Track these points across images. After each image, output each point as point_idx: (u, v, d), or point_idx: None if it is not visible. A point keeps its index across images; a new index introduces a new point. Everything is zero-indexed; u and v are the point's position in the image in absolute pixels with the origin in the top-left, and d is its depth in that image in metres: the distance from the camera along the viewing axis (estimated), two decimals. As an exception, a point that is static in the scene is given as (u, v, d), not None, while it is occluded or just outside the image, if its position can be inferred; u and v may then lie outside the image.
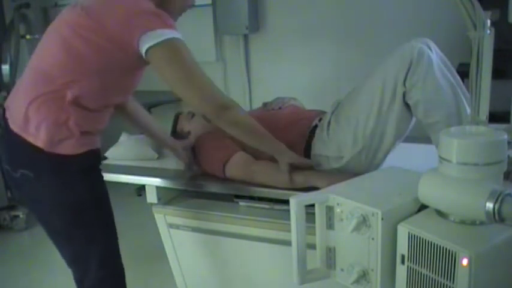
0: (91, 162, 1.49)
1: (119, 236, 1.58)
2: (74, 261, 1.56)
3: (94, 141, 1.49)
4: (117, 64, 1.42)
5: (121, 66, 1.43)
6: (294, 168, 1.58)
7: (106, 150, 2.19)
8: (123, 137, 2.24)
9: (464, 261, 0.93)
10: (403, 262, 1.06)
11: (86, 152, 1.44)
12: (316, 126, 1.73)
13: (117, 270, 1.60)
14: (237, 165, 1.70)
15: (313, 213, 1.21)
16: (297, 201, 1.17)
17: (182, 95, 1.44)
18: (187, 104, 1.49)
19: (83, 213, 1.47)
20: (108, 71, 1.41)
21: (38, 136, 1.38)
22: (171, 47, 1.37)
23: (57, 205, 1.45)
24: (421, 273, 1.02)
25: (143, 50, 1.35)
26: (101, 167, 1.55)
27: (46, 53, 1.43)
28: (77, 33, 1.36)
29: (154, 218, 1.86)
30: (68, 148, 1.40)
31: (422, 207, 1.11)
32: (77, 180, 1.44)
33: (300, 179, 1.57)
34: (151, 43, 1.33)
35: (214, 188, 1.77)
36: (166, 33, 1.35)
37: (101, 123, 1.52)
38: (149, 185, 1.84)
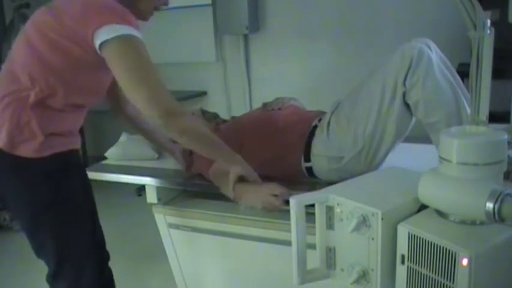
0: (58, 165, 1.43)
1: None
2: (39, 256, 1.55)
3: (64, 143, 1.44)
4: (77, 62, 1.37)
5: (81, 64, 1.38)
6: (241, 180, 1.55)
7: (106, 150, 2.20)
8: (123, 137, 2.24)
9: (464, 261, 0.93)
10: (403, 262, 1.06)
11: (52, 155, 1.40)
12: (316, 126, 1.73)
13: (85, 273, 1.54)
14: (203, 169, 1.75)
15: (313, 213, 1.21)
16: (297, 201, 1.17)
17: (130, 95, 1.35)
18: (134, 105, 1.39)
19: (43, 213, 1.44)
20: (68, 69, 1.37)
21: (0, 136, 1.36)
22: (125, 43, 1.30)
23: (20, 204, 1.45)
24: (421, 273, 1.02)
25: (97, 45, 1.30)
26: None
27: (15, 53, 1.42)
28: (39, 31, 1.35)
29: (154, 218, 1.86)
30: (28, 151, 1.37)
31: (422, 207, 1.11)
32: (37, 182, 1.41)
33: (238, 193, 1.56)
34: (105, 37, 1.28)
35: (214, 188, 1.77)
36: (122, 29, 1.29)
37: (71, 124, 1.47)
38: (149, 185, 1.85)
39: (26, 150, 1.37)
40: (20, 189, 1.42)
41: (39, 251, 1.53)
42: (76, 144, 1.52)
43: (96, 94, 1.53)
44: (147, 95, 1.33)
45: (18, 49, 1.41)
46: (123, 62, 1.32)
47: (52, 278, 1.57)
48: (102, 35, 1.28)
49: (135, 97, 1.34)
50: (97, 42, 1.30)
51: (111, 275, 1.72)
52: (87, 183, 1.56)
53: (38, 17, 1.40)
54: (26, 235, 1.52)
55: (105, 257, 1.67)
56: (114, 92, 1.67)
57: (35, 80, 1.35)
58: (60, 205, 1.45)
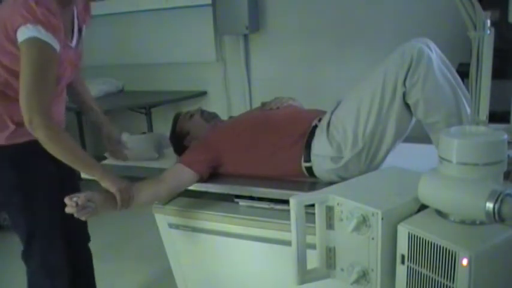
0: (28, 151, 1.57)
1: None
2: (16, 232, 1.76)
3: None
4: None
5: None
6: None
7: (106, 150, 2.19)
8: (124, 137, 2.24)
9: (464, 261, 0.93)
10: (403, 262, 1.06)
11: (23, 142, 1.56)
12: (315, 126, 1.73)
13: (52, 249, 1.66)
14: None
15: (313, 213, 1.21)
16: (297, 201, 1.17)
17: (19, 92, 1.46)
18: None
19: (13, 194, 1.65)
20: (17, 65, 1.46)
21: None
22: (29, 46, 1.43)
23: None
24: (421, 273, 1.02)
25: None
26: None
27: None
28: None
29: (154, 218, 1.86)
30: (1, 139, 1.58)
31: (422, 207, 1.11)
32: (6, 166, 1.62)
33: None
34: (20, 40, 1.42)
35: (214, 188, 1.78)
36: (29, 31, 1.40)
37: None
38: (149, 185, 1.84)
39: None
40: None
41: (15, 228, 1.76)
42: (59, 124, 1.66)
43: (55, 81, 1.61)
44: (27, 96, 1.44)
45: None
46: (24, 65, 1.44)
47: (24, 255, 1.79)
48: (19, 36, 1.43)
49: (20, 96, 1.45)
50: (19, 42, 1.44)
51: (91, 257, 1.96)
52: (59, 168, 1.64)
53: None
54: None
55: (81, 239, 1.87)
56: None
57: None
58: (27, 187, 1.64)
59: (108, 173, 1.58)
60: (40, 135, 1.46)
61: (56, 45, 1.46)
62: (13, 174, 1.64)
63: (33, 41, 1.41)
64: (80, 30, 1.70)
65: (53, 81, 1.49)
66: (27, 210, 1.68)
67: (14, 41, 1.44)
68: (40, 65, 1.44)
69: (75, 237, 1.82)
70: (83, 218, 1.48)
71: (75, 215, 1.46)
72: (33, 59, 1.43)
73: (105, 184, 1.55)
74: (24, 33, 1.41)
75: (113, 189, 1.53)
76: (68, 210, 1.45)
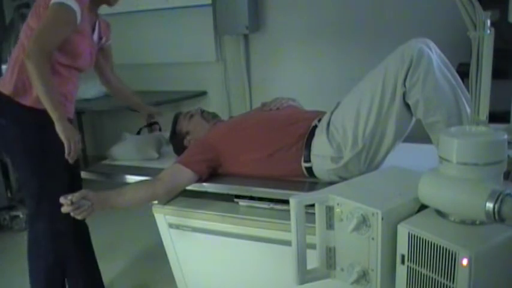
0: (46, 120, 1.71)
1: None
2: (24, 191, 2.00)
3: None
4: None
5: None
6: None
7: (106, 150, 2.20)
8: (124, 137, 2.24)
9: (464, 261, 0.93)
10: (403, 262, 1.06)
11: (44, 110, 1.71)
12: (315, 126, 1.73)
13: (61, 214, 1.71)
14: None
15: (313, 213, 1.21)
16: (297, 201, 1.17)
17: (36, 29, 1.73)
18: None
19: (29, 155, 1.85)
20: None
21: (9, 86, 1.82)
22: (55, 6, 1.72)
23: (13, 141, 1.87)
24: (421, 273, 1.02)
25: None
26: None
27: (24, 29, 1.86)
28: (33, 11, 1.81)
29: (154, 218, 1.86)
30: (26, 101, 1.82)
31: (422, 207, 1.11)
32: (31, 128, 1.83)
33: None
34: (51, 3, 1.72)
35: (214, 188, 1.77)
36: None
37: (62, 87, 1.84)
38: (149, 185, 1.84)
39: (24, 101, 1.81)
40: (15, 131, 1.84)
41: (23, 188, 1.97)
42: (68, 112, 1.86)
43: (75, 56, 1.86)
44: (39, 35, 1.71)
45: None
46: (45, 18, 1.73)
47: (32, 217, 1.95)
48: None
49: (35, 31, 1.72)
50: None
51: (87, 229, 2.12)
52: None
53: None
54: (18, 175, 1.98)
55: None
56: (100, 65, 2.16)
57: (24, 44, 1.80)
58: (44, 151, 1.83)
59: (65, 120, 1.72)
60: (30, 62, 1.65)
61: (77, 10, 1.74)
62: (33, 135, 1.82)
63: (60, 4, 1.71)
64: (100, 38, 2.05)
65: (61, 38, 1.74)
66: (41, 171, 1.85)
67: (48, 6, 1.72)
68: (57, 21, 1.72)
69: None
70: (79, 217, 1.49)
71: (72, 214, 1.48)
72: (54, 15, 1.71)
73: (58, 128, 1.69)
74: None
75: (62, 135, 1.69)
76: (63, 209, 1.47)
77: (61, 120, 1.70)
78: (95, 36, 2.01)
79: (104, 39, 2.10)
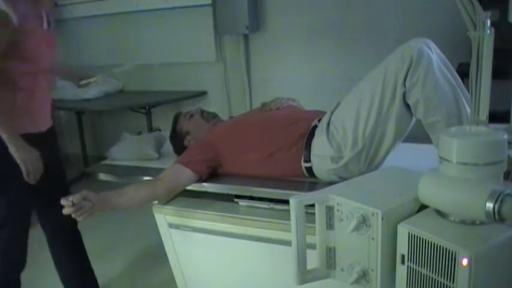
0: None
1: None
2: None
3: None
4: None
5: None
6: None
7: (105, 150, 2.20)
8: (124, 137, 2.24)
9: (464, 261, 0.93)
10: (403, 262, 1.06)
11: None
12: (315, 126, 1.73)
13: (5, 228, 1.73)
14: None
15: (313, 213, 1.21)
16: (297, 201, 1.17)
17: None
18: None
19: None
20: None
21: None
22: None
23: None
24: (421, 273, 1.02)
25: None
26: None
27: None
28: None
29: (154, 218, 1.86)
30: None
31: (422, 207, 1.11)
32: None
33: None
34: None
35: (214, 188, 1.77)
36: None
37: (4, 104, 1.62)
38: (149, 185, 1.84)
39: None
40: None
41: None
42: (38, 125, 1.74)
43: (35, 59, 1.69)
44: None
45: None
46: None
47: None
48: None
49: None
50: None
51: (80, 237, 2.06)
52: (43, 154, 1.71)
53: None
54: None
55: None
56: None
57: None
58: (5, 175, 1.67)
59: (16, 139, 1.60)
60: None
61: (8, 9, 1.54)
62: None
63: None
64: (47, 15, 1.79)
65: (1, 46, 1.56)
66: (4, 197, 1.72)
67: None
68: None
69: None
70: (80, 219, 1.48)
71: (73, 216, 1.46)
72: None
73: (11, 149, 1.58)
74: None
75: (16, 156, 1.57)
76: (65, 211, 1.45)
77: (12, 141, 1.57)
78: (45, 24, 1.78)
79: (52, 22, 1.85)
